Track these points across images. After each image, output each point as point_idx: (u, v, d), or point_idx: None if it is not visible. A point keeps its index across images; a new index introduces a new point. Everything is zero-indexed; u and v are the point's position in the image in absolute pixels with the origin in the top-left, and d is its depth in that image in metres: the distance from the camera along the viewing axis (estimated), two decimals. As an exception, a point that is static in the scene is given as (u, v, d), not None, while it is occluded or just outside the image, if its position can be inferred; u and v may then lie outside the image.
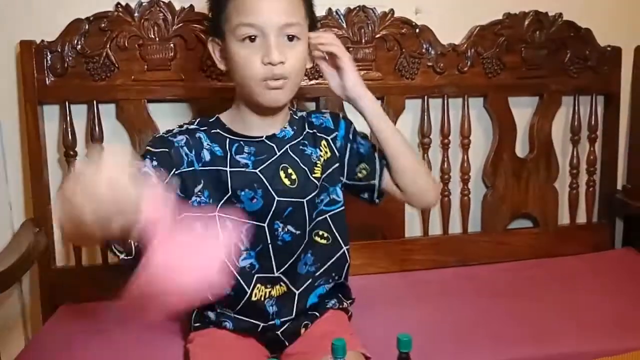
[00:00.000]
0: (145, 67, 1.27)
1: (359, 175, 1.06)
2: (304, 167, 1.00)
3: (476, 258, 1.48)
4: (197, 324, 1.01)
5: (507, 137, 1.49)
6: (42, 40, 1.21)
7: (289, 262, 0.99)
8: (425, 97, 1.42)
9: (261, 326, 0.99)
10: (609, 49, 1.51)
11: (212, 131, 0.98)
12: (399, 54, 1.38)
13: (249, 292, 0.97)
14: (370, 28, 1.36)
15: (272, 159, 0.98)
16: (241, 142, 0.98)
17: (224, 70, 0.97)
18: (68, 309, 1.21)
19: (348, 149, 1.06)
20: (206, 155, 0.96)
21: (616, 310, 1.20)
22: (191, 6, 1.27)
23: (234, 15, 0.90)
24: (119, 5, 1.24)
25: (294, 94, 0.97)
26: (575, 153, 1.55)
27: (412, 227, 1.49)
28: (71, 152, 1.26)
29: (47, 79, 1.22)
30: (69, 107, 1.25)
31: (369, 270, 1.39)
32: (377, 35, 1.37)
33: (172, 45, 1.27)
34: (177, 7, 1.26)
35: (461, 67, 1.42)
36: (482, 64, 1.43)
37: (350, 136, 1.06)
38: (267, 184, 0.97)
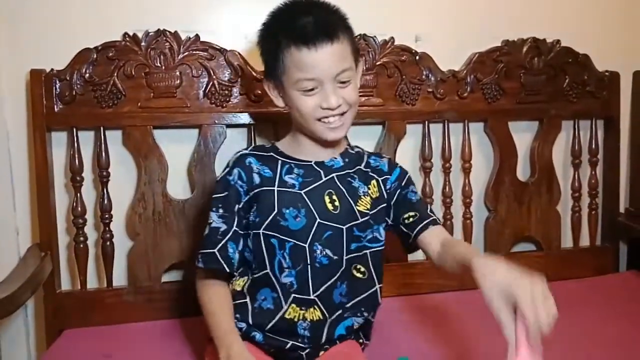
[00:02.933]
0: (152, 94, 1.30)
1: (406, 221, 1.09)
2: (348, 197, 1.05)
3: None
4: None
5: (508, 161, 1.51)
6: (52, 69, 1.25)
7: (325, 287, 1.02)
8: (426, 122, 1.44)
9: (290, 344, 1.01)
10: (607, 74, 1.54)
11: (264, 154, 1.08)
12: (400, 80, 1.41)
13: (285, 308, 1.01)
14: (371, 55, 1.39)
15: (318, 183, 1.05)
16: (291, 164, 1.06)
17: (281, 106, 1.06)
18: (73, 333, 1.22)
19: (396, 194, 1.11)
20: (256, 179, 1.05)
21: (620, 334, 1.19)
22: (196, 35, 1.30)
23: (292, 70, 0.98)
24: (126, 35, 1.28)
25: (351, 125, 1.05)
26: (576, 176, 1.56)
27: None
28: (78, 178, 1.28)
29: (55, 106, 1.25)
30: (77, 133, 1.28)
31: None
32: (378, 63, 1.40)
33: (177, 73, 1.30)
34: (183, 37, 1.30)
35: (461, 92, 1.45)
36: (481, 89, 1.46)
37: (403, 183, 1.12)
38: (311, 205, 1.03)
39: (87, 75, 1.26)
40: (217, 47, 1.32)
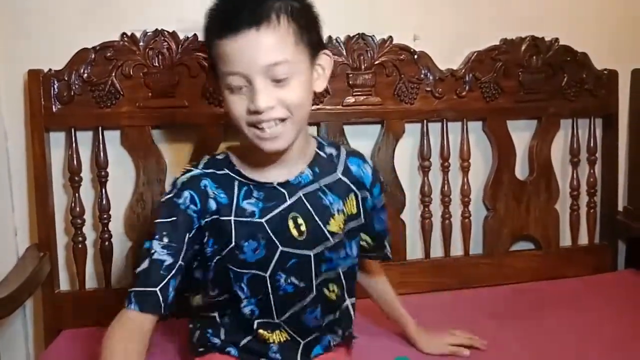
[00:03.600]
0: (150, 94, 1.29)
1: (361, 243, 1.02)
2: (317, 218, 0.92)
3: (477, 280, 1.48)
4: (201, 349, 0.98)
5: (507, 159, 1.51)
6: (50, 69, 1.24)
7: (291, 312, 0.94)
8: (425, 122, 1.44)
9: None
10: (605, 72, 1.54)
11: (220, 173, 0.91)
12: (398, 79, 1.41)
13: (253, 330, 0.95)
14: (369, 55, 1.39)
15: (281, 207, 0.91)
16: (250, 186, 0.91)
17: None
18: (71, 334, 1.22)
19: (368, 216, 1.00)
20: (211, 205, 0.90)
21: (618, 333, 1.19)
22: (194, 35, 1.30)
23: (218, 64, 0.84)
24: (124, 35, 1.27)
25: (300, 132, 0.89)
26: (575, 175, 1.56)
27: (413, 250, 1.49)
28: (76, 178, 1.28)
29: (53, 106, 1.25)
30: (75, 133, 1.27)
31: (366, 294, 1.39)
32: (376, 62, 1.39)
33: (175, 72, 1.30)
34: (181, 37, 1.30)
35: (459, 91, 1.44)
36: (480, 88, 1.45)
37: (377, 206, 1.02)
38: (272, 234, 0.90)
39: (85, 75, 1.26)
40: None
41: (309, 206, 0.92)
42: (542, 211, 1.54)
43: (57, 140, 1.30)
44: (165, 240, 0.87)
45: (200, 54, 1.30)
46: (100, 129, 1.29)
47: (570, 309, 1.33)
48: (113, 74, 1.27)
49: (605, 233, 1.60)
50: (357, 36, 1.38)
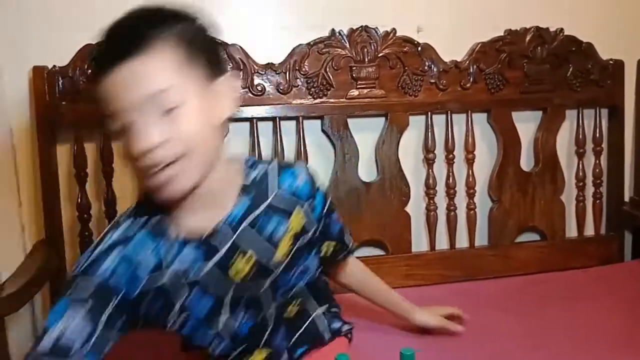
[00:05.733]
0: (154, 89, 1.30)
1: (322, 251, 0.95)
2: (263, 250, 0.83)
3: (483, 272, 1.48)
4: None
5: (512, 151, 1.50)
6: (54, 66, 1.25)
7: (258, 341, 0.89)
8: (429, 114, 1.44)
9: None
10: (611, 62, 1.52)
11: (148, 230, 0.80)
12: (402, 71, 1.40)
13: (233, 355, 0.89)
14: (373, 47, 1.39)
15: (220, 254, 0.80)
16: (181, 241, 0.80)
17: None
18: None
19: (321, 224, 0.91)
20: (143, 271, 0.79)
21: (626, 326, 1.18)
22: (197, 30, 1.30)
23: (100, 106, 0.73)
24: (127, 30, 1.28)
25: (210, 168, 0.76)
26: (580, 166, 1.55)
27: (419, 242, 1.49)
28: (82, 174, 1.29)
29: (59, 102, 1.26)
30: (80, 129, 1.28)
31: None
32: (380, 54, 1.39)
33: (179, 67, 1.30)
34: (184, 31, 1.30)
35: (464, 83, 1.44)
36: (484, 79, 1.45)
37: (325, 211, 0.91)
38: (216, 285, 0.82)
39: (90, 71, 1.26)
40: (218, 41, 1.30)
41: (250, 242, 0.82)
42: (548, 202, 1.53)
43: (62, 137, 1.30)
44: (80, 313, 0.73)
45: (203, 48, 1.30)
46: (105, 124, 1.29)
47: (576, 301, 1.31)
48: (117, 70, 1.27)
49: (611, 224, 1.59)
50: (360, 29, 1.38)
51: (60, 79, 1.25)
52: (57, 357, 0.71)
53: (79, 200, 1.29)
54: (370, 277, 1.10)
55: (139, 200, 0.83)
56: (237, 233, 0.81)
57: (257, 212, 0.82)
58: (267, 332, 0.89)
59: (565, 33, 1.49)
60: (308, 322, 0.94)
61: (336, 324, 1.00)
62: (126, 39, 0.71)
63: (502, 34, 1.46)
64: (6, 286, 1.11)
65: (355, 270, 1.08)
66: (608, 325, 1.18)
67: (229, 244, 0.81)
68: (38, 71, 1.24)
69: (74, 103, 1.26)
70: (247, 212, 0.82)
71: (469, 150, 1.47)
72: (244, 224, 0.81)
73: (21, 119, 1.30)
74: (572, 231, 1.58)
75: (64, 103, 1.26)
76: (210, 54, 0.77)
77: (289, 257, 0.86)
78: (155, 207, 0.79)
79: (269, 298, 0.87)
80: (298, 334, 0.93)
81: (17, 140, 1.30)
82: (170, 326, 0.84)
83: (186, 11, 0.77)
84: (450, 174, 1.47)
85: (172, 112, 0.70)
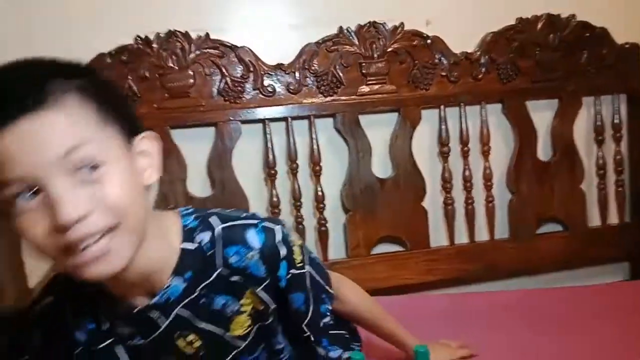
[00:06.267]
0: (166, 95, 1.31)
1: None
2: (212, 327, 0.73)
3: (505, 266, 1.46)
4: None
5: (528, 141, 1.48)
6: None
7: None
8: (442, 107, 1.43)
9: None
10: (626, 46, 1.50)
11: (76, 300, 0.70)
12: (412, 65, 1.40)
13: None
14: (381, 43, 1.38)
15: (159, 330, 0.70)
16: (116, 314, 0.71)
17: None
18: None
19: (287, 296, 0.78)
20: (80, 336, 0.71)
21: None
22: (206, 34, 1.31)
23: None
24: (138, 38, 1.30)
25: (142, 241, 0.64)
26: (600, 153, 1.52)
27: (438, 237, 1.48)
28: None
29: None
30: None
31: (393, 283, 1.39)
32: (389, 49, 1.39)
33: (190, 72, 1.32)
34: (194, 36, 1.31)
35: (475, 74, 1.43)
36: (496, 70, 1.43)
37: (290, 282, 0.76)
38: (166, 356, 0.73)
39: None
40: (227, 44, 1.33)
41: (195, 320, 0.72)
42: (567, 192, 1.51)
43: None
44: None
45: (213, 51, 1.32)
46: None
47: (606, 316, 1.21)
48: (129, 77, 1.29)
49: (635, 211, 1.56)
50: (368, 24, 1.38)
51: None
52: None
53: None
54: (366, 314, 0.94)
55: (54, 281, 0.72)
56: (173, 315, 0.70)
57: (196, 293, 0.70)
58: None
59: (578, 19, 1.47)
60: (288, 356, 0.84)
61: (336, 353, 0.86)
62: (23, 88, 0.57)
63: (513, 23, 1.45)
64: (36, 290, 1.13)
65: (349, 307, 0.91)
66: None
67: (164, 326, 0.70)
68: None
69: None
70: (184, 294, 0.69)
71: (484, 142, 1.45)
72: (181, 306, 0.70)
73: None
74: (594, 220, 1.55)
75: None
76: (121, 109, 0.65)
77: (250, 337, 0.76)
78: (74, 287, 0.68)
79: None
80: None
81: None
82: None
83: (81, 65, 0.67)
84: (467, 167, 1.45)
85: (94, 175, 0.58)
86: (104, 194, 0.58)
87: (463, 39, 1.43)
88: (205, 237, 0.71)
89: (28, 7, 1.28)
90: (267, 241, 0.72)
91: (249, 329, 0.75)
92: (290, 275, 0.75)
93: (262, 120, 1.36)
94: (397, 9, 1.41)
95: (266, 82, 1.34)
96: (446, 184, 1.44)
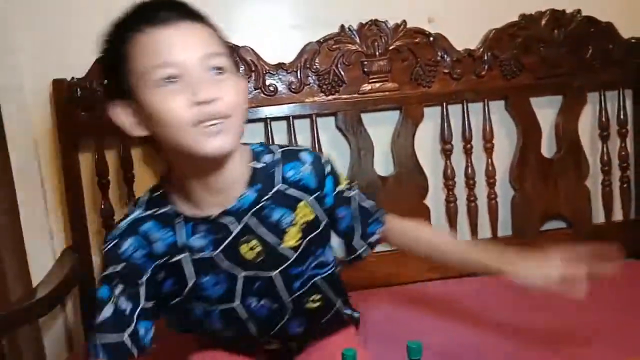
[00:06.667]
0: (169, 95, 1.32)
1: (355, 235, 0.94)
2: (269, 238, 0.85)
3: (507, 262, 1.46)
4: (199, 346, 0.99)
5: (532, 138, 1.47)
6: (72, 78, 1.29)
7: (274, 330, 0.91)
8: (444, 104, 1.42)
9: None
10: (632, 41, 1.48)
11: (160, 212, 0.84)
12: (415, 63, 1.39)
13: (237, 345, 0.95)
14: (383, 40, 1.38)
15: (231, 236, 0.84)
16: (193, 224, 0.84)
17: (143, 135, 0.79)
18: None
19: (335, 212, 0.91)
20: (159, 248, 0.84)
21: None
22: (209, 34, 1.32)
23: (140, 60, 0.74)
24: (141, 39, 1.31)
25: (240, 139, 0.80)
26: (605, 150, 1.51)
27: (440, 235, 1.48)
28: (104, 181, 1.33)
29: (79, 113, 1.30)
30: (101, 138, 1.32)
31: (396, 280, 1.40)
32: (391, 47, 1.38)
33: (193, 72, 1.33)
34: (196, 36, 1.32)
35: (478, 71, 1.42)
36: (499, 66, 1.42)
37: (338, 198, 0.91)
38: (228, 264, 0.85)
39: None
40: (230, 44, 1.33)
41: (258, 228, 0.84)
42: (572, 189, 1.50)
43: (84, 145, 1.34)
44: (120, 286, 0.82)
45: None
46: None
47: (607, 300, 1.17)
48: (132, 78, 1.30)
49: (641, 208, 1.55)
50: (369, 22, 1.37)
51: (79, 90, 1.29)
52: (119, 320, 0.81)
53: (102, 206, 1.33)
54: (428, 235, 0.99)
55: (153, 189, 0.88)
56: (243, 221, 0.84)
57: (262, 203, 0.84)
58: (283, 322, 0.91)
59: (583, 14, 1.45)
60: (333, 311, 0.95)
61: (347, 310, 1.00)
62: (180, 5, 0.78)
63: (516, 19, 1.44)
64: (38, 291, 1.16)
65: (406, 232, 0.97)
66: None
67: (235, 232, 0.84)
68: (57, 84, 1.29)
69: (93, 112, 1.30)
70: (253, 202, 0.84)
71: (487, 139, 1.45)
72: (250, 213, 0.84)
73: (44, 130, 1.35)
74: (599, 217, 1.54)
75: (83, 113, 1.30)
76: (229, 50, 0.82)
77: (300, 249, 0.87)
78: (165, 198, 0.85)
79: (283, 288, 0.88)
80: (323, 321, 0.95)
81: (41, 150, 1.35)
82: (185, 304, 0.87)
83: None
84: (469, 164, 1.45)
85: (219, 77, 0.76)
86: (226, 92, 0.75)
87: (466, 36, 1.42)
88: (268, 158, 0.86)
89: (36, 10, 1.30)
90: (316, 159, 0.89)
91: (300, 241, 0.86)
92: (336, 192, 0.90)
93: (264, 120, 1.37)
94: (399, 6, 1.40)
95: (268, 81, 1.35)
96: (449, 181, 1.44)
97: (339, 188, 0.91)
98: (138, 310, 0.82)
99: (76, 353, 1.24)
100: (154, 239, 0.84)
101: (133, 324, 0.81)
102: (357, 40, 1.37)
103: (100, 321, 0.81)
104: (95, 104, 1.30)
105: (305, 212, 0.87)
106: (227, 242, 0.84)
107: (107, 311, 0.81)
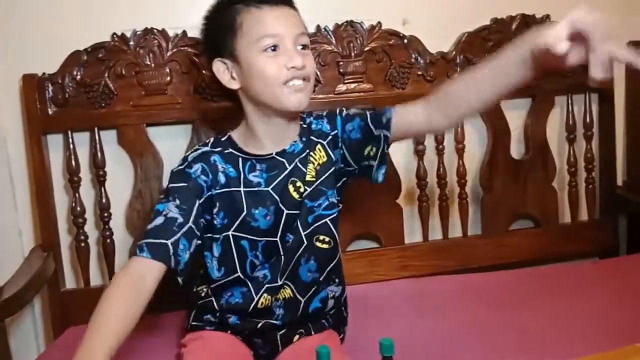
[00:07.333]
0: (143, 92, 1.31)
1: (370, 154, 1.03)
2: (307, 178, 1.03)
3: (477, 261, 1.49)
4: (195, 323, 1.07)
5: (502, 139, 1.51)
6: (43, 73, 1.27)
7: (289, 269, 1.02)
8: (417, 106, 1.44)
9: (264, 322, 1.03)
10: (599, 47, 1.52)
11: (226, 151, 1.02)
12: (389, 64, 1.41)
13: (256, 299, 1.02)
14: (359, 42, 1.39)
15: (283, 174, 1.01)
16: (253, 160, 1.01)
17: (235, 88, 0.98)
18: (75, 330, 1.25)
19: (348, 144, 1.04)
20: (222, 179, 1.00)
21: (621, 321, 1.15)
22: (184, 32, 1.31)
23: (253, 29, 0.94)
24: (115, 35, 1.29)
25: (309, 99, 0.99)
26: (572, 152, 1.56)
27: (412, 234, 1.51)
28: (75, 178, 1.31)
29: (49, 109, 1.27)
30: (72, 135, 1.30)
31: (368, 279, 1.41)
32: (366, 48, 1.40)
33: (167, 70, 1.32)
34: (171, 34, 1.31)
35: (451, 74, 1.44)
36: (472, 69, 1.45)
37: (346, 128, 1.04)
38: (278, 199, 1.00)
39: (79, 77, 1.28)
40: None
41: (303, 169, 1.02)
42: (540, 189, 1.54)
43: (55, 142, 1.32)
44: (177, 201, 0.95)
45: (190, 49, 1.32)
46: (96, 129, 1.31)
47: (571, 296, 1.28)
48: (106, 75, 1.29)
49: (605, 208, 1.60)
50: (345, 24, 1.39)
51: (50, 86, 1.27)
52: (168, 228, 0.92)
53: (73, 204, 1.31)
54: (460, 79, 1.05)
55: (212, 138, 1.06)
56: (294, 164, 1.02)
57: (304, 153, 1.03)
58: (297, 256, 1.02)
59: (552, 19, 1.49)
60: (337, 257, 1.07)
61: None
62: None
63: (488, 23, 1.47)
64: (5, 290, 1.13)
65: (438, 105, 1.04)
66: (603, 319, 1.16)
67: (288, 170, 1.01)
68: (28, 79, 1.26)
69: (64, 109, 1.28)
70: (302, 150, 1.03)
71: (459, 140, 1.48)
72: (299, 158, 1.02)
73: (14, 126, 1.32)
74: (565, 217, 1.59)
75: (55, 109, 1.28)
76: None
77: (313, 184, 1.02)
78: (229, 140, 1.03)
79: (304, 221, 1.02)
80: (330, 267, 1.05)
81: (11, 148, 1.32)
82: (234, 238, 1.00)
83: None
84: (441, 164, 1.47)
85: (306, 50, 0.97)
86: (307, 63, 0.95)
87: (439, 39, 1.45)
88: (308, 119, 1.07)
89: (5, 4, 1.27)
90: (332, 110, 1.08)
91: (314, 178, 1.03)
92: (343, 116, 1.05)
93: (239, 118, 1.36)
94: (374, 8, 1.42)
95: (243, 80, 1.35)
96: (421, 181, 1.47)
97: (344, 113, 1.06)
98: (186, 227, 0.92)
99: (45, 354, 1.22)
100: (219, 169, 1.00)
101: (177, 236, 0.91)
102: (333, 40, 1.38)
103: (150, 227, 0.93)
104: (67, 101, 1.28)
105: (321, 154, 1.04)
106: (279, 179, 1.01)
107: (159, 220, 0.93)
